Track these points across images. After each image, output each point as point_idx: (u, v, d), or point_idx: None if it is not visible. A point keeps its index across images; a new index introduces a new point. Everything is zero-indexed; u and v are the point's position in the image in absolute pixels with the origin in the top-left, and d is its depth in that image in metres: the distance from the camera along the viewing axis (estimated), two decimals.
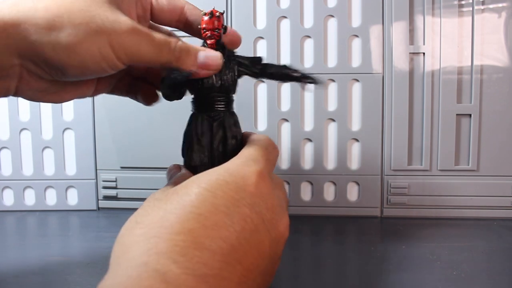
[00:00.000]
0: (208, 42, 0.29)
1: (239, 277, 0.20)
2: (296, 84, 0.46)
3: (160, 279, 0.17)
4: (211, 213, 0.21)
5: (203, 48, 0.28)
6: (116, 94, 0.35)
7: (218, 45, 0.29)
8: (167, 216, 0.20)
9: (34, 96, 0.27)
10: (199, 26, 0.29)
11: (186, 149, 0.29)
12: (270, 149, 0.27)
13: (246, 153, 0.26)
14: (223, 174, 0.23)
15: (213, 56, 0.27)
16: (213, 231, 0.20)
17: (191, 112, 0.30)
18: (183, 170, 0.29)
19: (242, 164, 0.24)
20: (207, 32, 0.28)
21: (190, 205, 0.21)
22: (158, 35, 0.26)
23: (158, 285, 0.17)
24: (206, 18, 0.28)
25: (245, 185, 0.23)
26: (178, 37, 0.28)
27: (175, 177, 0.27)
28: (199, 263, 0.19)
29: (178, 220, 0.20)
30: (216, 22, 0.28)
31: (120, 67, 0.26)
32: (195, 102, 0.30)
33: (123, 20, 0.25)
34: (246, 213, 0.22)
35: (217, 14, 0.28)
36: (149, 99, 0.34)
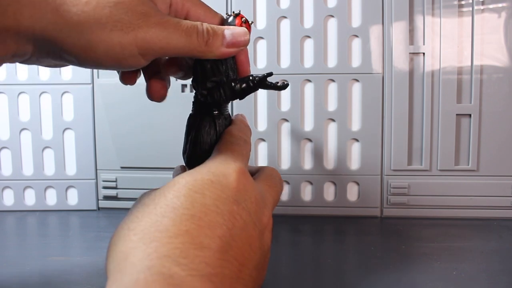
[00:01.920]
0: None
1: (236, 273, 0.20)
2: (296, 84, 0.46)
3: (166, 282, 0.17)
4: (204, 213, 0.21)
5: (227, 26, 0.28)
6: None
7: None
8: (160, 220, 0.20)
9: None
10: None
11: (192, 150, 0.29)
12: (242, 144, 0.28)
13: (223, 150, 0.26)
14: (207, 173, 0.23)
15: (239, 32, 0.27)
16: (208, 230, 0.20)
17: (192, 113, 0.30)
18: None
19: (222, 163, 0.25)
20: None
21: (181, 207, 0.21)
22: (184, 23, 0.25)
23: None
24: (241, 24, 0.29)
25: (228, 183, 0.23)
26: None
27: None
28: (202, 263, 0.19)
29: (172, 223, 0.20)
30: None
31: (142, 63, 0.25)
32: (202, 103, 0.29)
33: (151, 15, 0.24)
34: (235, 210, 0.22)
35: (250, 22, 0.30)
36: (157, 94, 0.32)
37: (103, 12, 0.23)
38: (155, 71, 0.30)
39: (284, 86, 0.29)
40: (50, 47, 0.23)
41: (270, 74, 0.28)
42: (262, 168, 0.30)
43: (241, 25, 0.29)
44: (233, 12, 0.29)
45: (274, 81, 0.29)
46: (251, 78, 0.28)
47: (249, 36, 0.29)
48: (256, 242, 0.22)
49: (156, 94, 0.30)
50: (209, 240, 0.20)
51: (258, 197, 0.24)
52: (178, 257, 0.18)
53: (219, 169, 0.24)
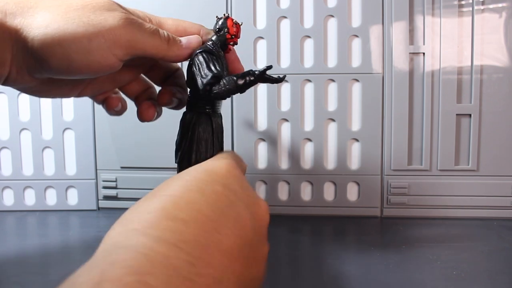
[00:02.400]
0: (230, 47, 0.32)
1: (217, 244, 0.20)
2: (296, 84, 0.46)
3: (128, 250, 0.18)
4: (183, 193, 0.21)
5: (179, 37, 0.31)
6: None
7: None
8: (142, 203, 0.21)
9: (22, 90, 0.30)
10: (226, 30, 0.31)
11: (189, 147, 0.30)
12: (237, 159, 0.29)
13: (216, 156, 0.29)
14: (197, 167, 0.25)
15: (193, 37, 0.31)
16: (185, 205, 0.21)
17: (187, 111, 0.31)
18: None
19: (213, 160, 0.26)
20: (235, 38, 0.32)
21: (163, 190, 0.22)
22: (147, 25, 0.28)
23: (125, 256, 0.17)
24: (235, 26, 0.31)
25: (216, 170, 0.24)
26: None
27: None
28: (170, 231, 0.19)
29: (151, 203, 0.21)
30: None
31: (116, 64, 0.27)
32: (199, 102, 0.30)
33: (116, 13, 0.26)
34: (219, 189, 0.22)
35: (240, 23, 0.32)
36: (145, 114, 0.35)
37: (71, 14, 0.25)
38: (148, 98, 0.35)
39: (281, 79, 0.31)
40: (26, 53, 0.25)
41: (270, 67, 0.30)
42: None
43: (233, 26, 0.31)
44: (224, 15, 0.32)
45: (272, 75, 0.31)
46: (251, 72, 0.30)
47: (239, 35, 0.32)
48: (247, 222, 0.22)
49: (144, 114, 0.34)
50: (183, 213, 0.20)
51: (250, 188, 0.25)
52: (146, 228, 0.19)
53: (209, 163, 0.26)
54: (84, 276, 0.17)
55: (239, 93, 0.30)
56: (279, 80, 0.30)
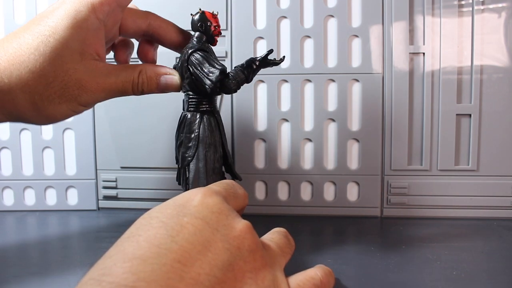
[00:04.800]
0: (217, 38, 0.32)
1: (180, 275, 0.19)
2: (296, 84, 0.46)
3: None
4: (144, 231, 0.20)
5: (164, 71, 0.31)
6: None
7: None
8: (109, 251, 0.20)
9: None
10: (209, 24, 0.31)
11: (197, 147, 0.30)
12: (231, 185, 0.27)
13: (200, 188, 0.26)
14: (175, 198, 0.23)
15: (172, 81, 0.31)
16: (145, 242, 0.20)
17: (186, 111, 0.31)
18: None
19: (189, 192, 0.24)
20: (218, 29, 0.31)
21: (129, 232, 0.21)
22: (120, 80, 0.30)
23: None
24: (214, 17, 0.31)
25: (186, 203, 0.23)
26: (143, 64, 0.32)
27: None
28: (126, 273, 0.18)
29: (113, 248, 0.20)
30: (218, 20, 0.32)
31: (83, 110, 0.31)
32: (202, 101, 0.30)
33: (86, 79, 0.29)
34: (184, 220, 0.21)
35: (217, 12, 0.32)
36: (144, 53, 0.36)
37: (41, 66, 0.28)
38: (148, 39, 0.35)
39: (282, 60, 0.31)
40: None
41: (271, 51, 0.30)
42: None
43: (212, 17, 0.31)
44: (200, 9, 0.32)
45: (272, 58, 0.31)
46: (253, 59, 0.30)
47: (220, 24, 0.32)
48: (218, 244, 0.21)
49: (143, 53, 0.34)
50: (142, 251, 0.19)
51: (224, 208, 0.23)
52: (102, 275, 0.18)
53: (184, 194, 0.24)
54: None
55: (246, 83, 0.31)
56: (280, 61, 0.31)
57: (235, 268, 0.21)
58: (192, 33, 0.32)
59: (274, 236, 0.27)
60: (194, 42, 0.31)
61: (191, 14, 0.31)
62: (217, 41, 0.32)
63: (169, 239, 0.20)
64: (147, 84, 0.31)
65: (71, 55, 0.28)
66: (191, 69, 0.30)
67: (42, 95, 0.28)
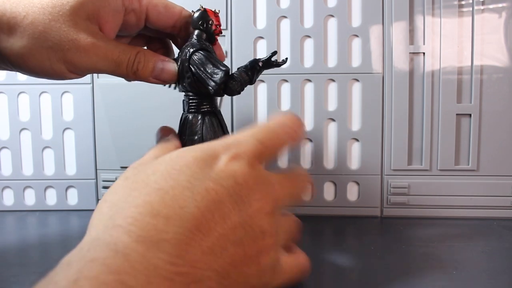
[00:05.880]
0: (217, 38, 0.31)
1: (198, 242, 0.20)
2: (296, 84, 0.46)
3: (109, 248, 0.18)
4: (172, 187, 0.21)
5: (162, 58, 0.30)
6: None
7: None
8: (130, 193, 0.21)
9: None
10: (211, 22, 0.30)
11: None
12: (271, 133, 0.26)
13: (240, 133, 0.26)
14: (196, 150, 0.23)
15: (169, 69, 0.30)
16: (170, 201, 0.20)
17: (188, 113, 0.30)
18: (173, 136, 0.29)
19: (222, 143, 0.24)
20: (219, 28, 0.31)
21: (153, 182, 0.21)
22: (117, 52, 0.28)
23: (105, 254, 0.17)
24: (215, 15, 0.31)
25: (213, 162, 0.23)
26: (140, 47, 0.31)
27: (158, 144, 0.29)
28: (152, 230, 0.19)
29: (139, 195, 0.21)
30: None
31: (74, 77, 0.29)
32: (204, 102, 0.30)
33: (82, 38, 0.27)
34: (209, 185, 0.22)
35: (218, 10, 0.31)
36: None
37: (38, 30, 0.26)
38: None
39: (284, 61, 0.31)
40: None
41: (275, 53, 0.30)
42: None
43: (214, 15, 0.31)
44: (201, 7, 0.31)
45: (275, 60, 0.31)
46: (257, 60, 0.30)
47: (220, 23, 0.31)
48: (235, 218, 0.22)
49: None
50: (167, 210, 0.20)
51: (250, 180, 0.23)
52: (129, 225, 0.19)
53: (214, 148, 0.24)
54: (62, 274, 0.18)
55: (249, 85, 0.30)
56: (282, 63, 0.30)
57: (245, 245, 0.22)
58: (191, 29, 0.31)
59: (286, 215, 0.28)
60: (195, 41, 0.30)
61: (192, 11, 0.31)
62: (217, 40, 0.31)
63: (193, 203, 0.21)
64: (143, 64, 0.29)
65: (77, 12, 0.27)
66: (193, 68, 0.29)
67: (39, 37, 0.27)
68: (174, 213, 0.20)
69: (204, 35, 0.30)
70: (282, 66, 0.46)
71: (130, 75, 0.29)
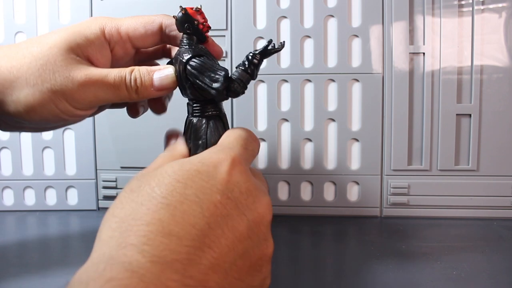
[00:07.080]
0: (208, 35, 0.30)
1: (210, 260, 0.20)
2: (296, 84, 0.46)
3: (124, 269, 0.18)
4: (180, 203, 0.21)
5: (157, 67, 0.29)
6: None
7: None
8: (138, 208, 0.21)
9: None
10: (196, 22, 0.29)
11: None
12: (249, 139, 0.28)
13: (223, 141, 0.27)
14: (196, 163, 0.23)
15: (167, 77, 0.29)
16: (181, 218, 0.20)
17: (192, 116, 0.30)
18: (180, 141, 0.29)
19: (217, 152, 0.25)
20: (207, 24, 0.29)
21: (160, 196, 0.21)
22: (112, 76, 0.28)
23: (122, 275, 0.17)
24: (198, 13, 0.29)
25: (216, 173, 0.23)
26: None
27: (165, 152, 0.29)
28: (165, 250, 0.19)
29: (148, 211, 0.21)
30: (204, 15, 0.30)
31: (83, 114, 0.30)
32: (207, 106, 0.29)
33: (75, 73, 0.28)
34: (217, 199, 0.22)
35: (200, 6, 0.30)
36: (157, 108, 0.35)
37: (34, 76, 0.27)
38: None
39: (282, 45, 0.30)
40: None
41: (270, 41, 0.29)
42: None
43: (196, 14, 0.29)
44: (181, 7, 0.29)
45: (272, 46, 0.29)
46: (253, 53, 0.29)
47: (207, 18, 0.29)
48: (244, 230, 0.22)
49: (133, 111, 0.35)
50: (178, 228, 0.20)
51: (251, 187, 0.24)
52: (143, 244, 0.19)
53: (211, 158, 0.24)
54: None
55: (252, 81, 0.29)
56: (280, 48, 0.29)
57: (251, 255, 0.22)
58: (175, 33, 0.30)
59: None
60: (186, 47, 0.29)
61: (174, 16, 0.29)
62: (208, 37, 0.30)
63: (203, 220, 0.21)
64: (140, 80, 0.29)
65: (60, 49, 0.28)
66: (191, 79, 0.28)
67: (37, 86, 0.28)
68: (186, 232, 0.20)
69: (194, 38, 0.29)
70: (282, 66, 0.47)
71: (133, 96, 0.29)
